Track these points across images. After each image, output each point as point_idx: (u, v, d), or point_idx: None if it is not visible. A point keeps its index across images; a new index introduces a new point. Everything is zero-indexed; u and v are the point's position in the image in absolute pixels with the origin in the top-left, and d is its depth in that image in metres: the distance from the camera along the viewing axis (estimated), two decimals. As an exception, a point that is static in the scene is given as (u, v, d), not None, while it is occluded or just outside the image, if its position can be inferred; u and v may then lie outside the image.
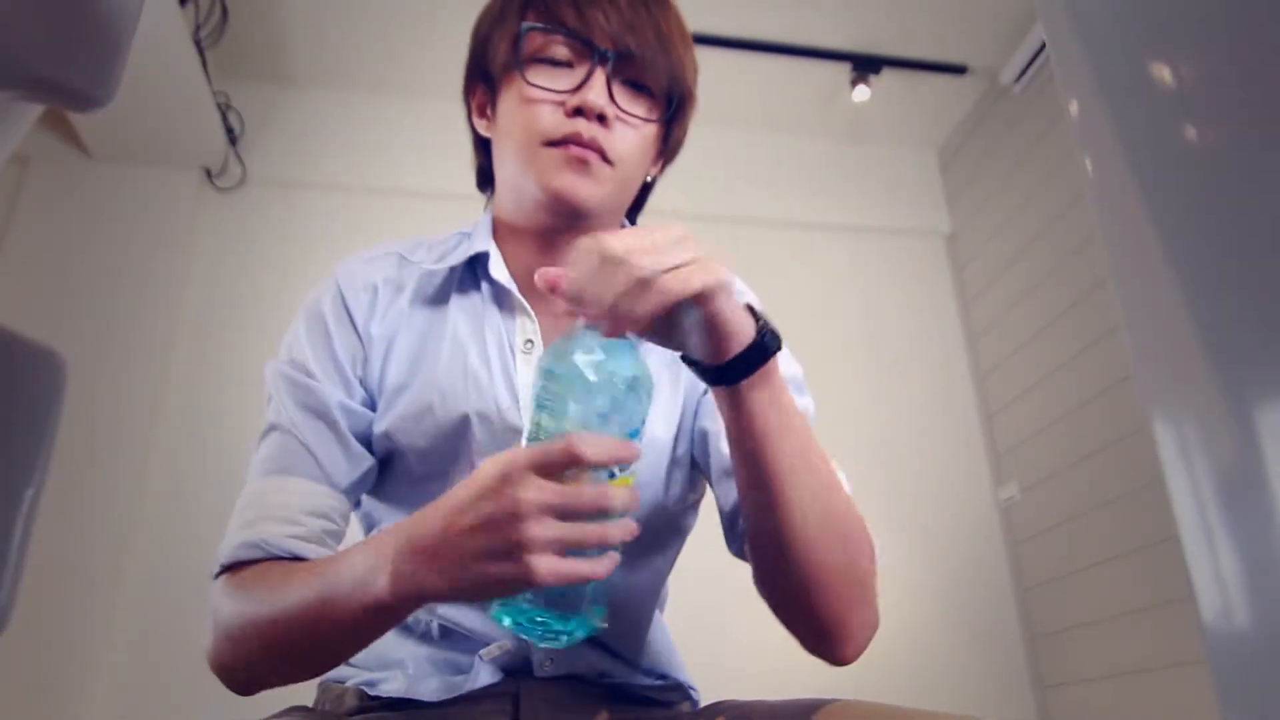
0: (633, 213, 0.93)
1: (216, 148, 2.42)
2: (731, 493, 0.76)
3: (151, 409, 2.19)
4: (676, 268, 0.56)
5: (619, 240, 0.57)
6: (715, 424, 0.79)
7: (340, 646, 0.65)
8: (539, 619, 0.58)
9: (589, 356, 0.57)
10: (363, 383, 0.80)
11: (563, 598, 0.58)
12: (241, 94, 2.50)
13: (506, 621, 0.58)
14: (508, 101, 0.80)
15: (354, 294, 0.81)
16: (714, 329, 0.59)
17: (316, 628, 0.62)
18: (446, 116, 2.60)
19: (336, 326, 0.80)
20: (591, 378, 0.57)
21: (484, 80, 0.84)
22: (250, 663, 0.67)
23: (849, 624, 0.68)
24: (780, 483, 0.64)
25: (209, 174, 2.46)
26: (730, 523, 0.78)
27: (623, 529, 0.56)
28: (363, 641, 0.65)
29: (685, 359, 0.64)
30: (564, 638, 0.59)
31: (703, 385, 0.80)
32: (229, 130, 2.45)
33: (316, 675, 0.69)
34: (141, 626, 1.99)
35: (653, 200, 0.94)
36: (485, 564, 0.54)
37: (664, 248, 0.57)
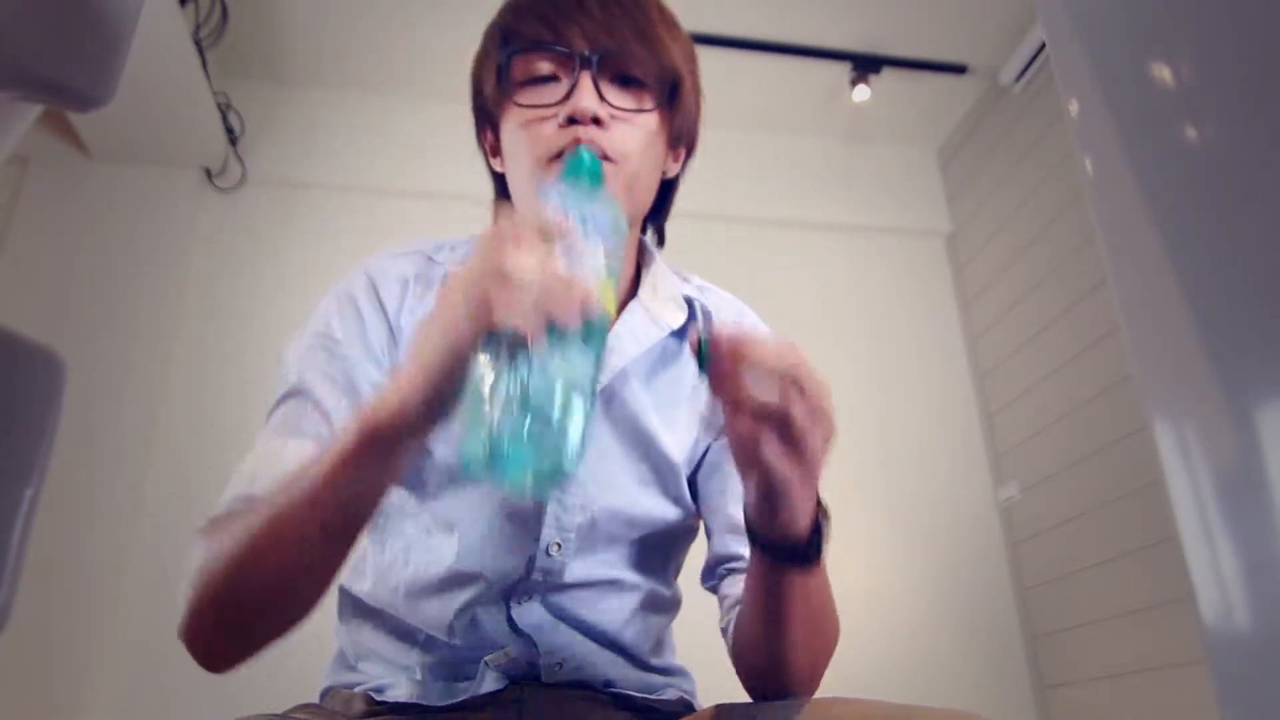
0: (657, 216, 0.95)
1: (216, 148, 2.42)
2: (721, 545, 0.85)
3: (151, 409, 2.19)
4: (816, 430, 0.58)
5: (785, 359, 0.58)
6: (718, 485, 0.86)
7: (323, 547, 0.61)
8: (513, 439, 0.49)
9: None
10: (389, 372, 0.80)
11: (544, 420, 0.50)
12: (241, 94, 2.50)
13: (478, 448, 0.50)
14: (507, 131, 0.81)
15: (386, 284, 0.82)
16: (776, 505, 0.62)
17: (298, 521, 0.60)
18: (446, 117, 2.60)
19: (369, 310, 0.80)
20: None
21: (488, 121, 0.86)
22: (221, 607, 0.63)
23: (801, 696, 0.75)
24: (781, 635, 0.71)
25: (209, 174, 2.46)
26: (710, 567, 0.86)
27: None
28: (350, 525, 0.62)
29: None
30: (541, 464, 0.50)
31: (715, 434, 0.87)
32: (229, 130, 2.45)
33: (293, 615, 0.64)
34: (141, 626, 1.99)
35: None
36: (458, 321, 0.52)
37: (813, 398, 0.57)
